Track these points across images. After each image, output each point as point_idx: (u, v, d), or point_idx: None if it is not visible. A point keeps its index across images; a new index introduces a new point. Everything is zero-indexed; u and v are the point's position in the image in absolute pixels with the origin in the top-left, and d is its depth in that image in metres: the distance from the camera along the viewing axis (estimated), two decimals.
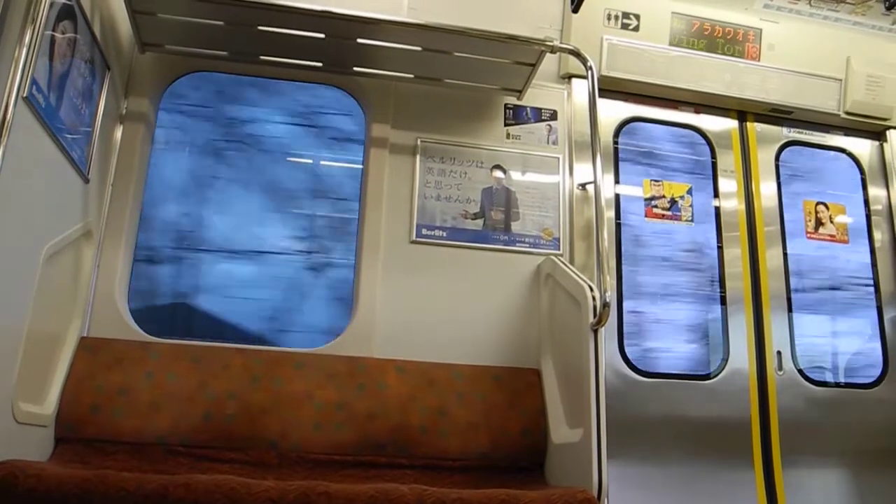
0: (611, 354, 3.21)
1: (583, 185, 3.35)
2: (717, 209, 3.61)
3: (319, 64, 3.13)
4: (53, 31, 2.18)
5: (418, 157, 3.26)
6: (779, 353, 3.41)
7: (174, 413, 2.61)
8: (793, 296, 3.54)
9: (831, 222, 3.76)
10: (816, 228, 3.74)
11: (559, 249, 3.27)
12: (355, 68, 3.16)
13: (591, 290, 2.56)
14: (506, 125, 3.41)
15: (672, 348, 3.43)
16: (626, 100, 3.66)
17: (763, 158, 3.76)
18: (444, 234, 3.20)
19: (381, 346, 2.97)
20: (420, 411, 2.81)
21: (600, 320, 2.47)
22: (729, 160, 3.71)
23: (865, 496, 3.31)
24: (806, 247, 3.68)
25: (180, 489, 1.93)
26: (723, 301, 3.46)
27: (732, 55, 3.69)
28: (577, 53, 3.01)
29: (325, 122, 3.66)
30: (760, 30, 3.73)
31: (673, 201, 3.57)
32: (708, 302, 3.50)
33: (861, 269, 3.72)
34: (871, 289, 3.69)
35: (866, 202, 3.84)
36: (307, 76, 3.29)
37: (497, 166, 3.34)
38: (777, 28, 3.75)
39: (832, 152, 3.90)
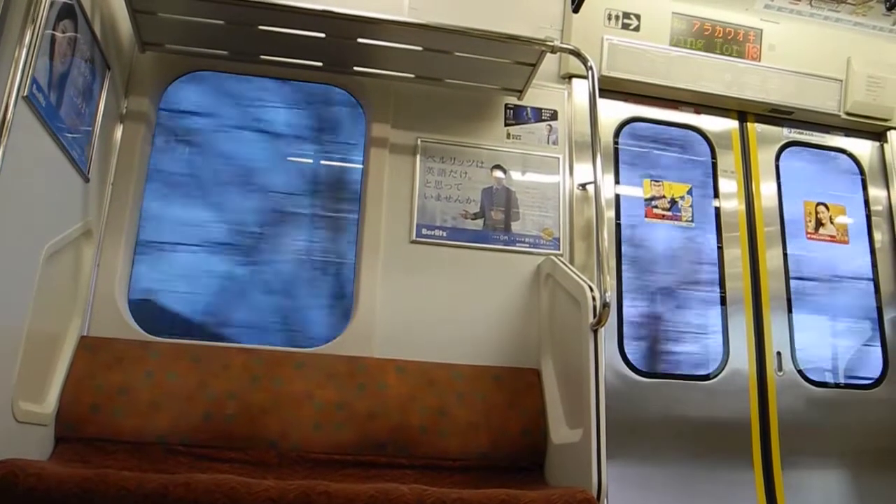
0: (611, 354, 3.21)
1: (583, 186, 3.35)
2: (718, 209, 3.62)
3: (320, 63, 3.13)
4: (54, 30, 2.18)
5: (418, 156, 3.26)
6: (779, 353, 3.41)
7: (174, 412, 2.61)
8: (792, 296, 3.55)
9: (831, 223, 3.76)
10: (816, 229, 3.74)
11: (559, 249, 3.27)
12: (356, 68, 3.17)
13: (591, 290, 2.56)
14: (506, 125, 3.41)
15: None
16: (626, 100, 3.66)
17: (763, 159, 3.76)
18: (445, 234, 3.20)
19: (381, 346, 2.97)
20: (420, 411, 2.81)
21: (600, 320, 2.48)
22: (729, 160, 3.71)
23: (865, 497, 3.31)
24: (806, 247, 3.69)
25: (180, 488, 1.93)
26: (723, 301, 3.46)
27: (733, 55, 3.68)
28: (577, 53, 3.01)
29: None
30: (761, 30, 3.73)
31: (673, 201, 3.57)
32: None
33: (861, 268, 3.73)
34: (871, 289, 3.70)
35: (866, 203, 3.84)
36: (307, 76, 3.29)
37: (497, 166, 3.34)
38: (778, 28, 3.74)
39: (832, 152, 3.91)
